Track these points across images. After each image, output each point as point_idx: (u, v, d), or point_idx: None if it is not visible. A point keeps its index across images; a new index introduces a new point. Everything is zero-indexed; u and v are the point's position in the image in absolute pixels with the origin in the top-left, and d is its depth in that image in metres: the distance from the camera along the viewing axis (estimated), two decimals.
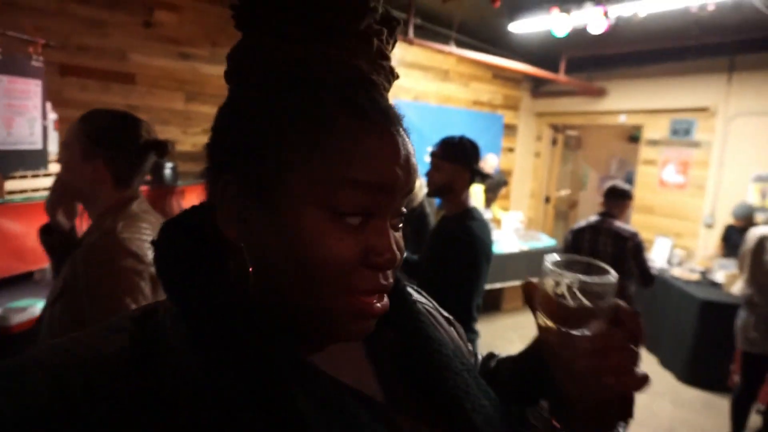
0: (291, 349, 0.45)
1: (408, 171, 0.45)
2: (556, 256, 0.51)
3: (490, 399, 0.54)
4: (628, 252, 2.98)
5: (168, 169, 3.87)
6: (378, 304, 0.45)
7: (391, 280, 0.46)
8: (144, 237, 1.25)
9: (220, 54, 4.68)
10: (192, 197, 3.98)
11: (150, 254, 1.17)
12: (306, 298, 0.43)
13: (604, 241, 3.04)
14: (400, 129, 0.46)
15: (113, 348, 0.41)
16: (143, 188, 3.36)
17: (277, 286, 0.45)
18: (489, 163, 5.99)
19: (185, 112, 4.55)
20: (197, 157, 4.64)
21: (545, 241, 6.11)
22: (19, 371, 0.38)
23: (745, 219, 4.82)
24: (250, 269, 0.46)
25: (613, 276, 0.48)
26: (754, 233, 3.17)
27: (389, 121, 0.45)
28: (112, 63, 4.05)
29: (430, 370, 0.53)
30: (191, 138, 4.61)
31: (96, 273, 1.16)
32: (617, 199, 3.15)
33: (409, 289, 0.63)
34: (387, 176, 0.43)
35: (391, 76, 0.50)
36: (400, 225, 0.48)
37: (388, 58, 0.49)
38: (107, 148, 1.27)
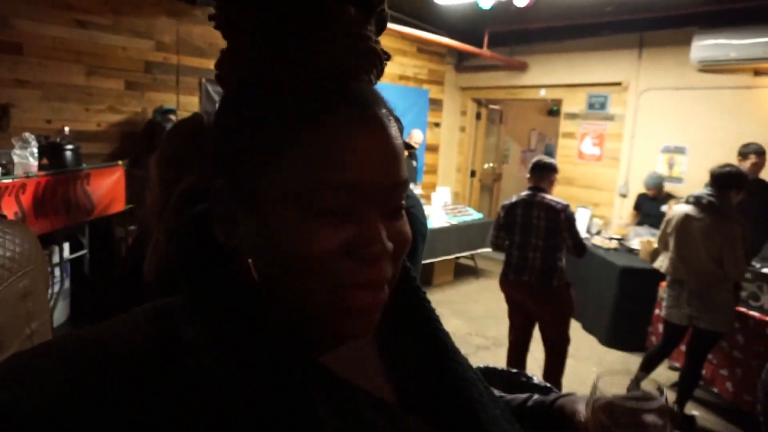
0: (304, 350, 0.45)
1: (391, 165, 0.44)
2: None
3: (502, 410, 0.56)
4: (562, 224, 3.03)
5: (68, 150, 3.46)
6: (369, 298, 0.43)
7: (387, 274, 0.44)
8: None
9: (124, 23, 4.24)
10: (100, 181, 3.60)
11: None
12: (297, 296, 0.43)
13: (537, 214, 3.08)
14: (383, 120, 0.44)
15: (130, 345, 0.41)
16: (40, 174, 2.99)
17: (272, 288, 0.44)
18: (414, 138, 5.95)
19: (86, 87, 4.10)
20: (103, 137, 4.22)
21: (473, 214, 6.21)
22: (37, 363, 0.39)
23: (656, 188, 5.14)
24: (254, 273, 0.46)
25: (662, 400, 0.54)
26: (677, 212, 3.29)
27: (369, 114, 0.43)
28: None
29: (447, 378, 0.53)
30: (95, 116, 4.17)
31: None
32: (544, 173, 3.19)
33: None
34: (365, 174, 0.42)
35: (378, 59, 0.47)
36: (400, 215, 0.46)
37: (369, 41, 0.46)
38: None
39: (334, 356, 0.48)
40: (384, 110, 0.45)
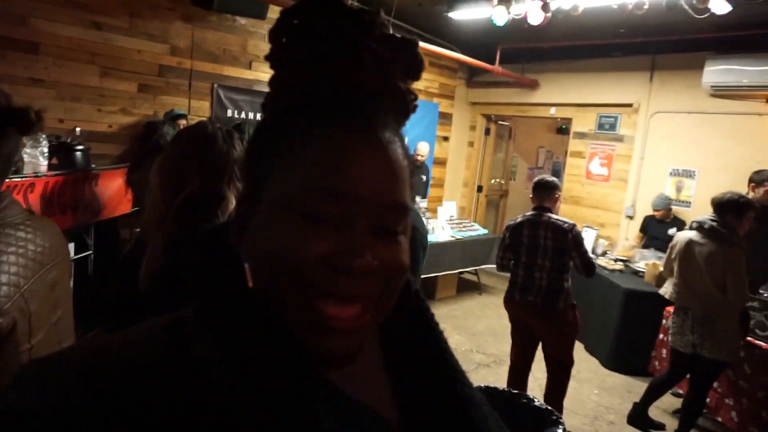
0: (310, 364, 0.44)
1: (387, 185, 0.45)
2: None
3: None
4: (569, 244, 3.01)
5: (79, 151, 3.47)
6: (343, 314, 0.43)
7: (368, 292, 0.44)
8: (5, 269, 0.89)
9: (140, 26, 4.28)
10: (108, 183, 3.62)
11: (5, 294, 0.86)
12: (277, 304, 0.44)
13: (544, 234, 3.05)
14: (388, 142, 0.46)
15: (144, 355, 0.42)
16: (49, 173, 3.01)
17: (262, 295, 0.45)
18: (420, 150, 5.95)
19: (99, 89, 4.13)
20: (114, 139, 4.24)
21: (478, 230, 6.19)
22: (52, 370, 0.40)
23: (664, 209, 5.12)
24: (250, 281, 0.47)
25: None
26: (681, 237, 3.27)
27: (373, 133, 0.45)
28: (10, 28, 3.58)
29: (451, 398, 0.53)
30: (107, 117, 4.20)
31: None
32: (547, 192, 3.16)
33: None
34: (359, 188, 0.43)
35: (399, 95, 0.50)
36: (396, 240, 0.46)
37: (392, 78, 0.49)
38: None
39: (342, 372, 0.47)
40: (388, 133, 0.47)
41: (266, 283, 0.45)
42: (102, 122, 4.17)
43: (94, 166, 3.61)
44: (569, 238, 3.01)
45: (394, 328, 0.49)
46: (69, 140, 3.55)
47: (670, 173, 5.65)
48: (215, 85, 4.83)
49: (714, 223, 3.06)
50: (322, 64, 0.47)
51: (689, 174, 5.51)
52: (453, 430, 0.52)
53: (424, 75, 6.90)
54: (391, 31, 0.49)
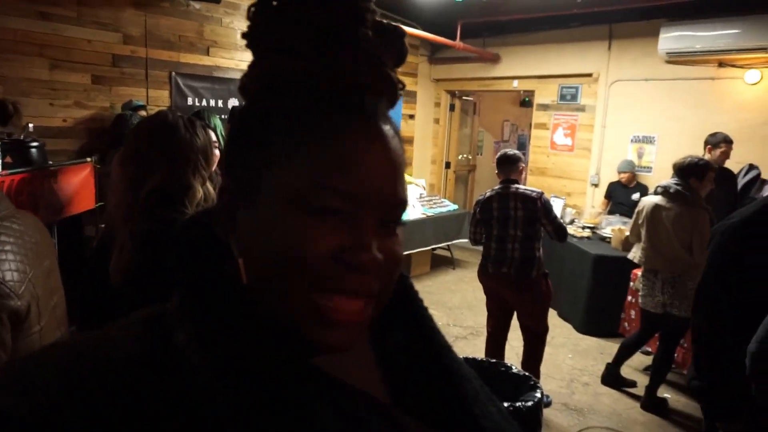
0: (297, 353, 0.44)
1: (393, 180, 0.45)
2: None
3: (498, 408, 0.56)
4: (539, 212, 3.07)
5: (33, 148, 3.33)
6: (350, 308, 0.43)
7: (372, 287, 0.44)
8: (4, 257, 0.95)
9: (89, 15, 4.10)
10: (69, 179, 3.49)
11: (11, 279, 0.91)
12: (279, 299, 0.43)
13: (513, 205, 3.10)
14: (390, 136, 0.46)
15: (124, 351, 0.41)
16: (4, 173, 2.88)
17: (259, 290, 0.45)
18: None
19: (50, 82, 3.96)
20: (69, 134, 4.09)
21: (449, 206, 6.25)
22: (31, 370, 0.39)
23: (629, 172, 5.29)
24: (243, 274, 0.46)
25: None
26: (647, 203, 3.36)
27: (378, 129, 0.45)
28: None
29: (440, 374, 0.54)
30: (60, 111, 4.03)
31: None
32: (511, 165, 3.21)
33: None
34: (367, 183, 0.43)
35: (391, 84, 0.48)
36: (395, 233, 0.46)
37: (384, 66, 0.48)
38: None
39: (330, 358, 0.47)
40: (389, 127, 0.47)
41: (267, 276, 0.44)
42: (56, 117, 4.00)
43: (51, 162, 3.48)
44: (538, 206, 3.07)
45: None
46: (22, 137, 3.41)
47: (631, 140, 5.79)
48: (173, 73, 4.69)
49: (678, 187, 3.17)
50: (319, 52, 0.45)
51: (649, 140, 5.66)
52: (444, 407, 0.52)
53: None
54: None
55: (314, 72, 0.45)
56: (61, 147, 4.00)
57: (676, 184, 3.20)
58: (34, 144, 3.36)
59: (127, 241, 1.23)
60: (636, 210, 3.48)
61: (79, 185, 3.59)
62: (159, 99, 4.60)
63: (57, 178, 3.38)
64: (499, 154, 3.32)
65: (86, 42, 4.11)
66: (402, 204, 0.46)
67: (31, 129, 3.60)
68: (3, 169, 2.97)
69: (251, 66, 0.49)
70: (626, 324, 4.23)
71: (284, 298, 0.43)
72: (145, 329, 0.44)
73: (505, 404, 2.15)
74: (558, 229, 3.12)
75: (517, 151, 3.31)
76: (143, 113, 4.01)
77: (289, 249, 0.42)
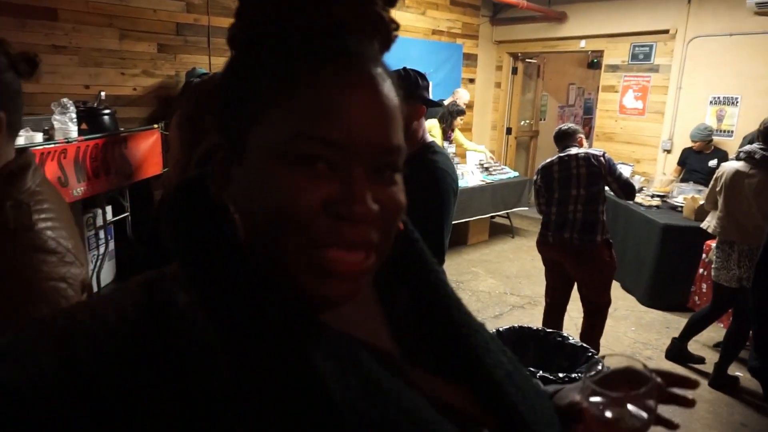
0: (300, 308, 0.44)
1: (381, 126, 0.43)
2: (598, 368, 0.57)
3: (509, 357, 0.55)
4: (603, 168, 2.94)
5: (106, 115, 3.51)
6: (346, 260, 0.42)
7: (369, 237, 0.43)
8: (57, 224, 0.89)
9: None
10: (137, 145, 3.67)
11: (74, 247, 0.89)
12: (275, 254, 0.43)
13: (575, 164, 2.97)
14: (376, 79, 0.44)
15: (121, 315, 0.41)
16: (80, 138, 3.06)
17: (256, 246, 0.44)
18: (462, 97, 5.81)
19: (120, 52, 4.12)
20: (139, 102, 4.26)
21: (509, 173, 6.08)
22: (27, 341, 0.39)
23: (703, 140, 4.90)
24: (240, 232, 0.46)
25: (654, 379, 0.55)
26: (728, 168, 3.11)
27: (361, 71, 0.43)
28: None
29: (449, 326, 0.53)
30: (130, 80, 4.21)
31: None
32: (569, 137, 3.12)
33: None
34: (352, 131, 0.41)
35: (381, 24, 0.46)
36: (393, 181, 0.45)
37: (372, 5, 0.45)
38: None
39: (335, 314, 0.46)
40: (380, 70, 0.45)
41: (264, 233, 0.43)
42: (126, 85, 4.18)
43: (122, 129, 3.66)
44: (602, 162, 2.94)
45: (386, 261, 0.47)
46: (96, 105, 3.59)
47: (711, 102, 5.38)
48: None
49: (765, 152, 2.92)
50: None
51: (731, 101, 5.23)
52: (454, 359, 0.52)
53: (446, 15, 6.64)
54: None
55: (290, 13, 0.43)
56: (131, 115, 4.19)
57: (761, 149, 2.94)
58: (106, 112, 3.53)
59: None
60: (714, 176, 3.25)
61: (147, 151, 3.76)
62: (221, 66, 4.69)
63: (127, 144, 3.55)
64: (555, 130, 3.25)
65: (152, 11, 4.23)
66: (395, 150, 0.44)
67: (103, 97, 3.78)
68: (79, 135, 3.15)
69: (237, 14, 0.47)
70: (696, 298, 4.01)
71: (281, 253, 0.42)
72: (144, 292, 0.44)
73: (561, 375, 2.11)
74: (624, 186, 2.98)
75: (573, 125, 3.22)
76: None
77: (277, 203, 0.41)
